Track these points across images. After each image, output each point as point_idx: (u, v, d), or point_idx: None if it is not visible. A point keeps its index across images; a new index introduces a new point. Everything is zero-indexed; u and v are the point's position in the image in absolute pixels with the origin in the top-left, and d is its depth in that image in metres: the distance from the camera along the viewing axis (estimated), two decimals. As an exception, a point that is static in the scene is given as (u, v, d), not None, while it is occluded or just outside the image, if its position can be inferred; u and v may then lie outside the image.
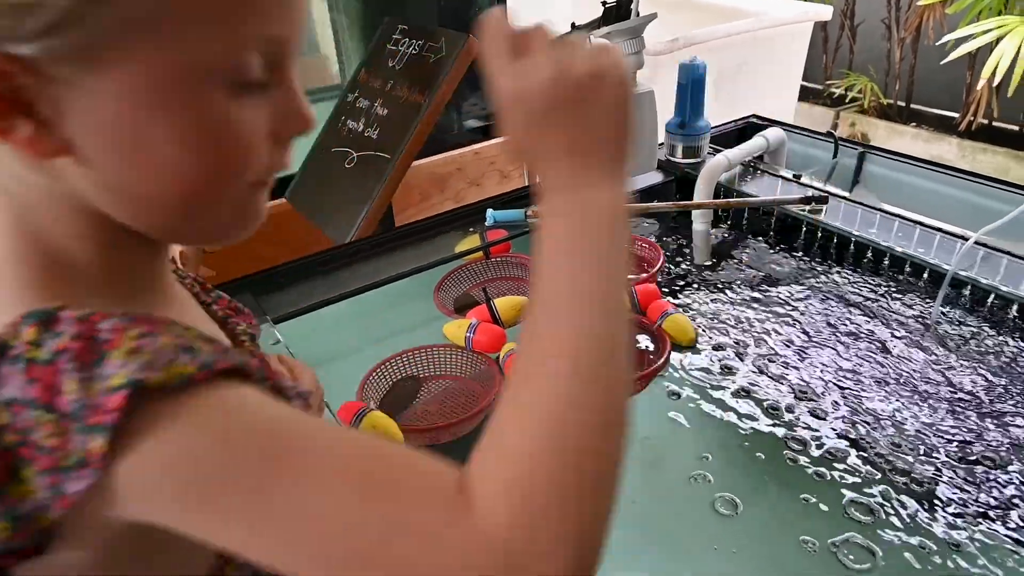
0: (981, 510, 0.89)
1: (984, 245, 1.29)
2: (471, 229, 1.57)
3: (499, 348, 1.23)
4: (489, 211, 1.58)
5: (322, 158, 1.88)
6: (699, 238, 1.59)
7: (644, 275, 1.42)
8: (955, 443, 0.99)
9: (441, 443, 1.09)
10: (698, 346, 1.26)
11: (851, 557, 0.86)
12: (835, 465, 0.92)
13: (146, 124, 0.31)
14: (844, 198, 1.51)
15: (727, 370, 1.20)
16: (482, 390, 1.20)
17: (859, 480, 0.94)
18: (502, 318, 1.32)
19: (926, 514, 0.89)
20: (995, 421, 1.03)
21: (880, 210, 1.45)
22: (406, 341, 1.24)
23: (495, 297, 1.32)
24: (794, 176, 1.61)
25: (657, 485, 1.00)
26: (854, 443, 1.00)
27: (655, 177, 1.75)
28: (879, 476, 0.94)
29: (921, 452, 0.98)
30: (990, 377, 1.13)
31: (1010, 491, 0.91)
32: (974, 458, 0.97)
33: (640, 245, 1.53)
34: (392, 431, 1.03)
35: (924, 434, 1.01)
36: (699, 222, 1.62)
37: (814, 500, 0.92)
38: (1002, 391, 1.10)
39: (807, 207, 1.48)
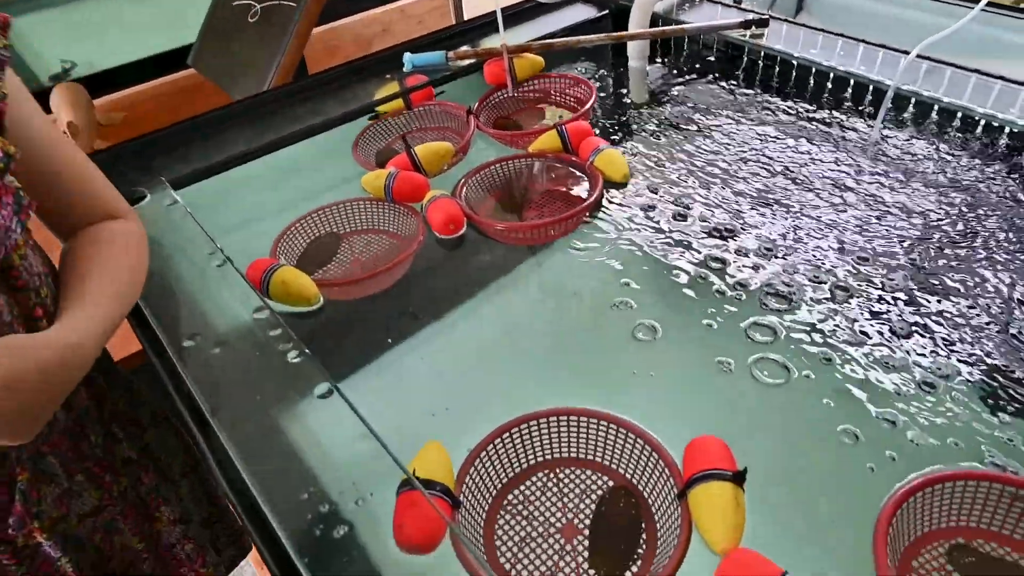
0: (908, 330, 0.88)
1: (927, 58, 1.23)
2: (388, 76, 1.45)
3: (421, 197, 1.16)
4: (407, 55, 1.45)
5: (223, 16, 1.70)
6: (635, 75, 1.50)
7: (575, 114, 1.34)
8: (882, 264, 0.98)
9: (365, 296, 1.04)
10: (632, 183, 1.21)
11: (766, 373, 0.85)
12: (760, 290, 0.89)
13: None
14: (786, 20, 1.42)
15: (660, 205, 1.16)
16: (405, 241, 1.14)
17: (783, 304, 0.92)
18: (424, 166, 1.24)
19: (846, 333, 0.88)
20: (925, 239, 1.02)
21: (823, 30, 1.37)
22: (326, 200, 1.15)
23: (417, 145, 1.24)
24: (734, 2, 1.50)
25: (580, 315, 0.97)
26: (782, 268, 0.98)
27: (589, 11, 1.62)
28: (802, 297, 0.93)
29: (847, 274, 0.97)
30: (929, 196, 1.10)
31: (934, 308, 0.90)
32: (902, 278, 0.95)
33: (573, 83, 1.44)
34: (305, 285, 0.97)
35: (850, 257, 0.99)
36: (635, 59, 1.52)
37: (734, 323, 0.91)
38: (939, 208, 1.08)
39: (747, 31, 1.39)
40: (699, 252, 1.05)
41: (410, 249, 1.07)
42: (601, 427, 0.74)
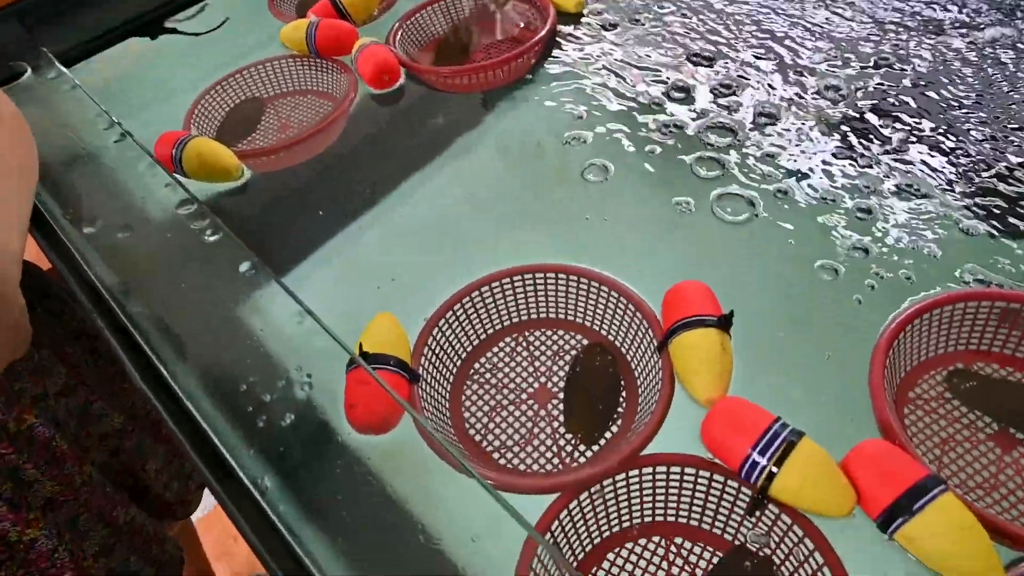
0: (868, 155, 0.80)
1: None
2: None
3: (350, 48, 1.01)
4: None
5: None
6: None
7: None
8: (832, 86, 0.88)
9: (296, 166, 0.92)
10: (586, 13, 1.07)
11: (729, 210, 0.78)
12: (717, 126, 0.80)
13: None
14: None
15: (616, 36, 1.03)
16: (336, 100, 1.01)
17: (730, 138, 0.82)
18: (350, 12, 1.08)
19: (809, 160, 0.80)
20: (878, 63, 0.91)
21: None
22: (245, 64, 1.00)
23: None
24: None
25: (542, 167, 0.87)
26: (753, 104, 0.88)
27: None
28: (763, 130, 0.83)
29: (819, 95, 0.87)
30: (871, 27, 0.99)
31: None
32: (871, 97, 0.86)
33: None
34: (223, 156, 0.85)
35: (798, 82, 0.89)
36: None
37: (693, 160, 0.82)
38: (883, 33, 0.97)
39: None
40: (665, 83, 0.94)
41: (342, 108, 0.94)
42: (572, 283, 0.68)
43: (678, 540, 0.57)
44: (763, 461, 0.52)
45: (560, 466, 0.60)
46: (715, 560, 0.55)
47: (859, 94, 0.87)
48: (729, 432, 0.53)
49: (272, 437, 0.55)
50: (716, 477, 0.55)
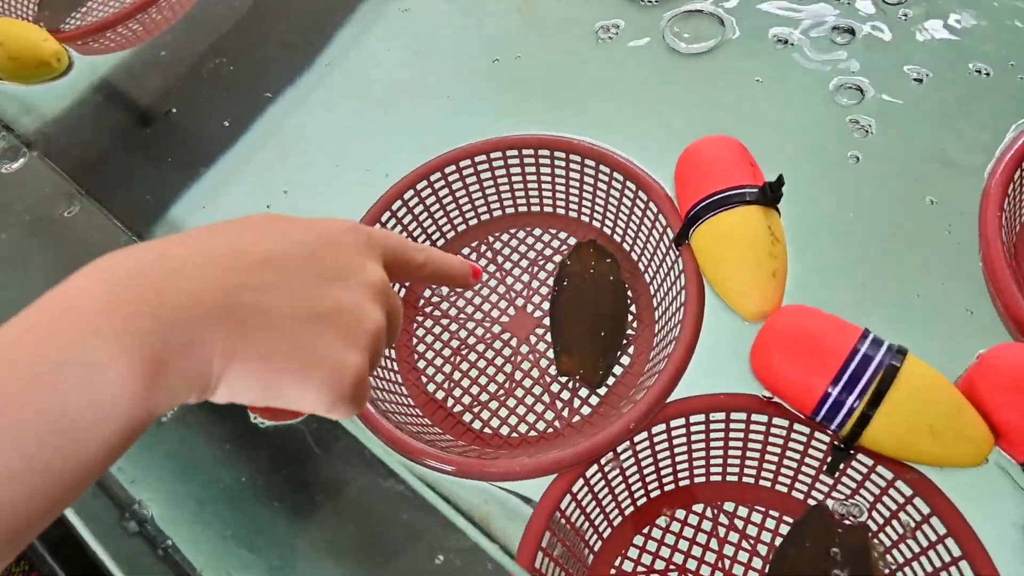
0: None
1: None
2: None
3: None
4: None
5: None
6: None
7: None
8: None
9: (150, 45, 0.70)
10: None
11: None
12: None
13: None
14: None
15: None
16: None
17: None
18: None
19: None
20: None
21: None
22: None
23: None
24: None
25: (513, 13, 0.65)
26: None
27: None
28: None
29: None
30: None
31: None
32: None
33: None
34: (36, 42, 0.63)
35: None
36: None
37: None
38: None
39: None
40: None
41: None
42: (546, 160, 0.54)
43: (728, 506, 0.46)
44: (850, 400, 0.39)
45: (556, 422, 0.49)
46: (783, 528, 0.45)
47: None
48: (794, 359, 0.41)
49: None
50: (777, 422, 0.43)
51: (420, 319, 0.54)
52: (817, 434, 0.43)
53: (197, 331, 0.21)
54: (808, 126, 0.54)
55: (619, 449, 0.44)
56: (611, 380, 0.49)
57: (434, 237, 0.56)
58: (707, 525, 0.46)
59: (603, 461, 0.44)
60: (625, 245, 0.54)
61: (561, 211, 0.57)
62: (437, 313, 0.54)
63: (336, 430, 0.43)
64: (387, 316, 0.27)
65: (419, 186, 0.54)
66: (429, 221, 0.55)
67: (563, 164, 0.54)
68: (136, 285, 0.21)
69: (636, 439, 0.44)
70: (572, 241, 0.55)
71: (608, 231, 0.55)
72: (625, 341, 0.51)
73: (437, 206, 0.55)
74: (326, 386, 0.23)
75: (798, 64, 0.57)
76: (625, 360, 0.50)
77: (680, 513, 0.46)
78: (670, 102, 0.58)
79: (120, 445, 0.21)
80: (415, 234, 0.55)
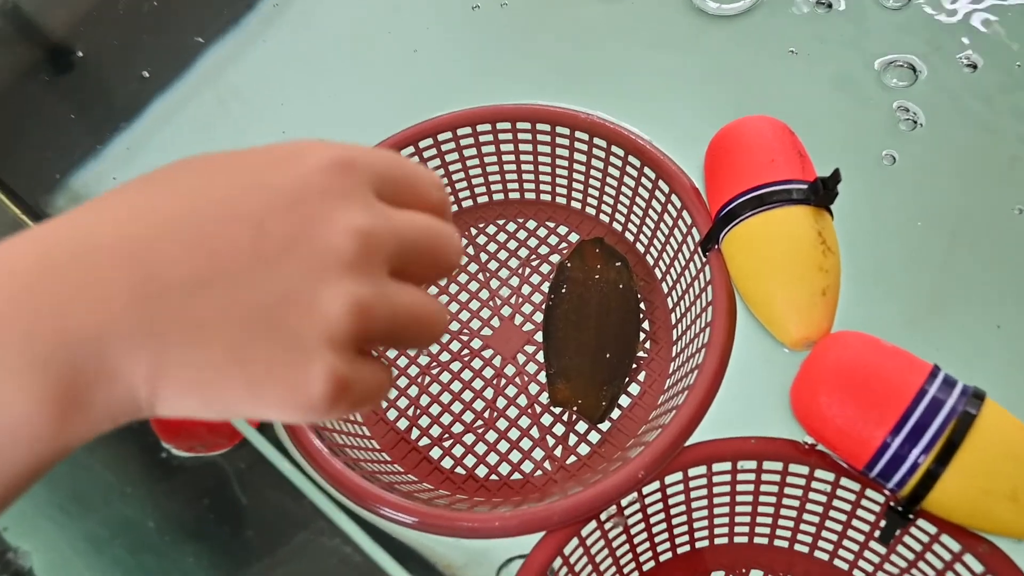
0: None
1: None
2: None
3: None
4: None
5: None
6: None
7: None
8: None
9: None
10: None
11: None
12: None
13: None
14: None
15: None
16: None
17: None
18: None
19: None
20: None
21: None
22: None
23: None
24: None
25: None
26: None
27: None
28: None
29: None
30: None
31: None
32: None
33: None
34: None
35: None
36: None
37: None
38: None
39: None
40: None
41: None
42: (559, 139, 0.52)
43: (756, 574, 0.45)
44: (914, 453, 0.38)
45: (547, 464, 0.48)
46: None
47: None
48: (846, 400, 0.40)
49: None
50: (821, 475, 0.42)
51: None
52: (870, 492, 0.41)
53: (111, 355, 0.19)
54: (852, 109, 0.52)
55: (624, 502, 0.42)
56: (616, 413, 0.48)
57: None
58: (728, 595, 0.44)
59: (603, 517, 0.42)
60: (639, 246, 0.53)
61: (562, 200, 0.55)
62: (403, 321, 0.52)
63: (262, 467, 0.41)
64: (395, 269, 0.22)
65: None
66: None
67: (566, 143, 0.52)
68: (42, 288, 0.19)
69: (645, 490, 0.43)
70: (574, 238, 0.54)
71: (619, 227, 0.54)
72: (635, 366, 0.49)
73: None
74: (285, 403, 0.21)
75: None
76: (634, 389, 0.49)
77: (695, 581, 0.45)
78: (698, 73, 0.56)
79: (21, 486, 0.20)
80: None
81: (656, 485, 0.42)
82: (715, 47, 0.57)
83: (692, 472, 0.42)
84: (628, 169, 0.50)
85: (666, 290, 0.50)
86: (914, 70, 0.53)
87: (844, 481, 0.41)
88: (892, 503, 0.40)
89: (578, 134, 0.50)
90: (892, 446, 0.38)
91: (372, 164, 0.23)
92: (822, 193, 0.42)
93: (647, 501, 0.43)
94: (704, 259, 0.46)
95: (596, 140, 0.50)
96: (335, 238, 0.21)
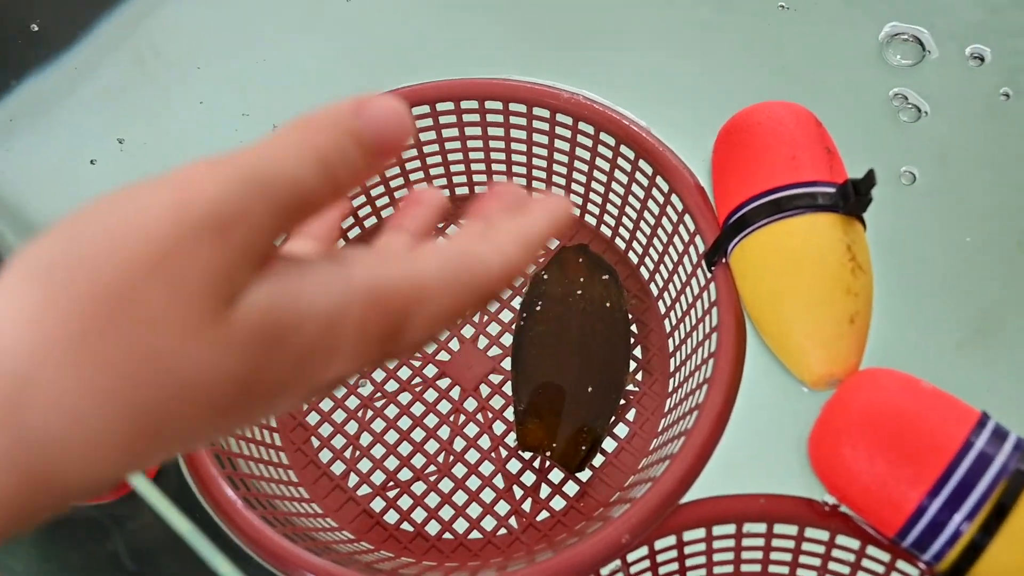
0: None
1: None
2: None
3: None
4: None
5: None
6: None
7: None
8: None
9: None
10: None
11: None
12: None
13: None
14: None
15: None
16: None
17: None
18: None
19: None
20: None
21: None
22: None
23: None
24: None
25: None
26: None
27: None
28: None
29: None
30: None
31: None
32: None
33: None
34: None
35: None
36: None
37: None
38: None
39: None
40: None
41: None
42: (537, 123, 0.54)
43: None
44: (956, 520, 0.39)
45: (513, 520, 0.49)
46: None
47: None
48: (875, 453, 0.41)
49: None
50: (843, 542, 0.44)
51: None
52: (901, 564, 0.43)
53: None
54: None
55: (605, 571, 0.43)
56: (599, 460, 0.50)
57: (343, 225, 0.56)
58: None
59: (580, 589, 0.44)
60: (632, 255, 0.54)
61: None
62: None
63: (154, 526, 0.41)
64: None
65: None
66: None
67: (545, 127, 0.53)
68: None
69: (631, 557, 0.44)
70: (552, 244, 0.55)
71: (608, 232, 0.55)
72: (624, 402, 0.51)
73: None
74: None
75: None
76: (622, 431, 0.50)
77: (690, 668, 0.47)
78: (717, 44, 0.58)
79: None
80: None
81: (644, 551, 0.44)
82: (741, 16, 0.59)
83: (688, 536, 0.44)
84: (620, 162, 0.51)
85: (663, 310, 0.52)
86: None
87: (871, 550, 0.43)
88: (929, 577, 0.42)
89: (560, 117, 0.52)
90: (930, 510, 0.39)
91: (242, 224, 0.22)
92: (853, 199, 0.44)
93: (633, 571, 0.44)
94: (709, 275, 0.47)
95: (582, 125, 0.51)
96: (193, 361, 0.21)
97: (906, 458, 0.40)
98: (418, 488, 0.49)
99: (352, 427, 0.51)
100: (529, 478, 0.49)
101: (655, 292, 0.52)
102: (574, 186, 0.55)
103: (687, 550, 0.45)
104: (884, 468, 0.40)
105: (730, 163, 0.48)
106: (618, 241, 0.54)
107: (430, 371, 0.52)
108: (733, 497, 0.44)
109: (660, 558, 0.44)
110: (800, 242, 0.44)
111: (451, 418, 0.51)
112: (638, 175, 0.51)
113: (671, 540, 0.44)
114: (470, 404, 0.51)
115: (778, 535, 0.45)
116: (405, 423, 0.51)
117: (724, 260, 0.47)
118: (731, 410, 0.45)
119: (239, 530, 0.42)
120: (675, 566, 0.45)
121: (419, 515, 0.48)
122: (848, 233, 0.44)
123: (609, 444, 0.49)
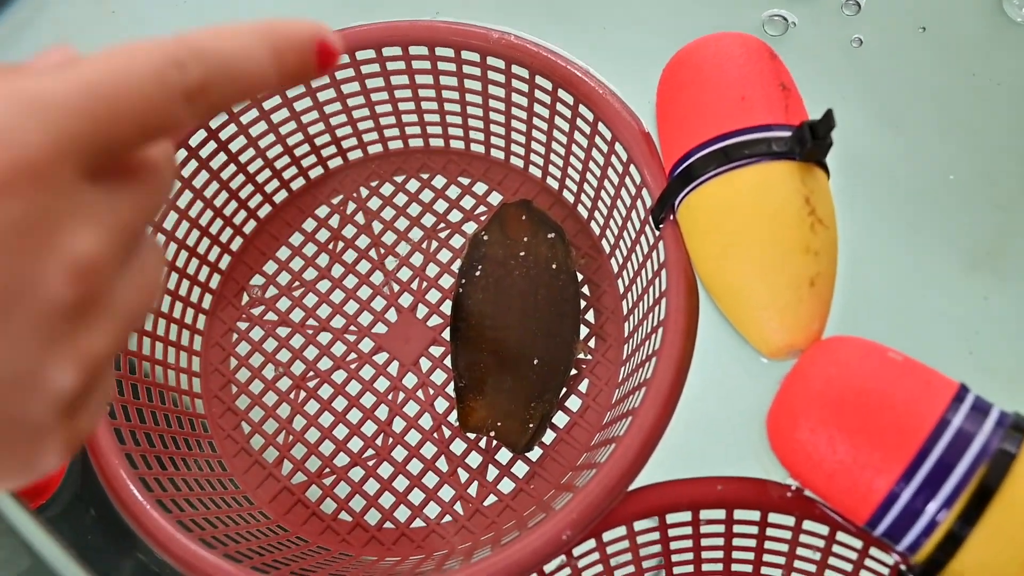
0: None
1: None
2: None
3: None
4: None
5: None
6: None
7: None
8: None
9: None
10: None
11: None
12: None
13: None
14: None
15: None
16: None
17: None
18: None
19: None
20: None
21: None
22: None
23: None
24: None
25: None
26: None
27: None
28: None
29: None
30: None
31: None
32: None
33: None
34: None
35: None
36: None
37: None
38: None
39: None
40: None
41: None
42: (468, 68, 0.49)
43: None
44: (932, 508, 0.36)
45: (458, 507, 0.46)
46: None
47: None
48: (840, 432, 0.38)
49: None
50: (811, 528, 0.42)
51: (242, 326, 0.51)
52: (875, 551, 0.39)
53: None
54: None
55: (549, 568, 0.40)
56: (550, 437, 0.46)
57: (267, 190, 0.52)
58: None
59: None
60: (582, 209, 0.50)
61: (478, 149, 0.53)
62: (270, 316, 0.51)
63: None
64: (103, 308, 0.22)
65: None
66: (256, 164, 0.51)
67: (476, 72, 0.49)
68: None
69: (577, 551, 0.41)
70: (494, 200, 0.51)
71: (555, 184, 0.51)
72: (575, 372, 0.47)
73: (271, 139, 0.50)
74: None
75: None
76: (574, 404, 0.47)
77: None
78: None
79: None
80: (221, 204, 0.51)
81: (592, 544, 0.41)
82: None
83: (639, 526, 0.41)
84: (560, 108, 0.46)
85: (616, 269, 0.47)
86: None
87: (841, 536, 0.40)
88: (903, 567, 0.38)
89: (491, 60, 0.47)
90: (901, 499, 0.35)
91: (58, 121, 0.18)
92: (810, 144, 0.38)
93: (580, 565, 0.41)
94: (656, 233, 0.42)
95: (515, 68, 0.46)
96: (48, 290, 0.20)
97: (872, 441, 0.36)
98: (355, 474, 0.46)
99: (284, 410, 0.49)
100: (475, 460, 0.46)
101: (607, 249, 0.48)
102: (514, 135, 0.50)
103: (640, 539, 0.41)
104: (848, 454, 0.36)
105: (674, 106, 0.43)
106: (566, 194, 0.50)
107: (366, 345, 0.49)
108: (687, 481, 0.41)
109: (611, 549, 0.41)
110: (751, 196, 0.40)
111: (389, 396, 0.48)
112: (579, 122, 0.46)
113: (621, 531, 0.41)
114: (409, 380, 0.48)
115: (739, 521, 0.42)
116: (340, 404, 0.48)
117: (672, 217, 0.42)
118: (682, 386, 0.41)
119: (140, 524, 0.39)
120: (628, 556, 0.42)
121: (357, 503, 0.46)
122: (807, 183, 0.39)
123: (561, 419, 0.46)
